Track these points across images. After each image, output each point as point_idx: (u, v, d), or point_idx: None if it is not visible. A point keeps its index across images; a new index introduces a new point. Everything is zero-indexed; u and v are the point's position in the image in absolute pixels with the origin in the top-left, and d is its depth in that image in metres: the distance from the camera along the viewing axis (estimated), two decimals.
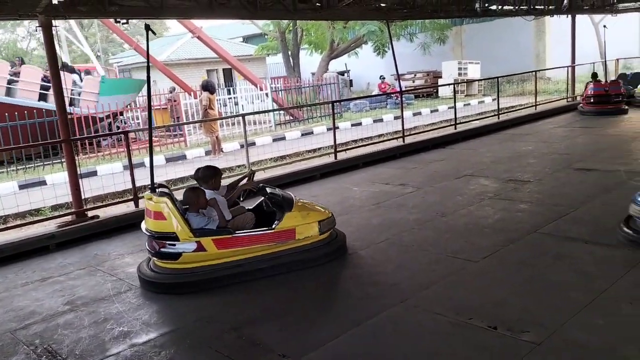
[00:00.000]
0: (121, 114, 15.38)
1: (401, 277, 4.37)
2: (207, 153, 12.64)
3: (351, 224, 5.86)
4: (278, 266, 4.54)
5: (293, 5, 7.86)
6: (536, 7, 12.87)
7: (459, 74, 23.56)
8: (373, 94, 22.38)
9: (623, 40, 28.18)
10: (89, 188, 7.32)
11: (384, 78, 23.40)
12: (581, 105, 13.69)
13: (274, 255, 4.56)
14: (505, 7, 12.20)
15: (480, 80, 22.62)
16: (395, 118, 15.94)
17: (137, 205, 6.87)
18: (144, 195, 4.75)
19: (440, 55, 25.34)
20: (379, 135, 12.78)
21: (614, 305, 3.55)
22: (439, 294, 3.97)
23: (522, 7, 12.36)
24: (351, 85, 24.64)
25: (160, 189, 4.66)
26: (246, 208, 5.08)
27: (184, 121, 14.98)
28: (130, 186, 7.10)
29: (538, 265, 4.35)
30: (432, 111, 18.58)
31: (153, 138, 5.25)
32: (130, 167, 7.04)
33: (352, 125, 16.14)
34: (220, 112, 16.08)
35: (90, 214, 6.62)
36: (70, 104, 13.40)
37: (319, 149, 11.64)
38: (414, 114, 17.86)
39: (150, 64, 4.88)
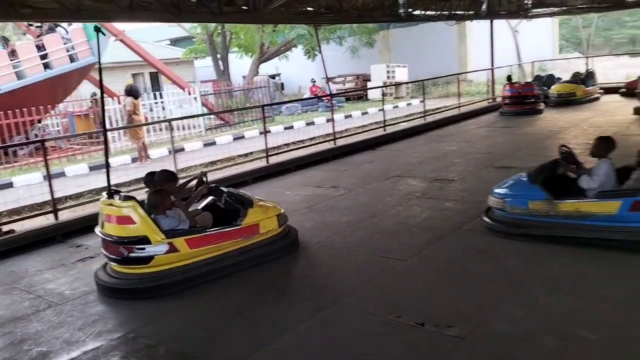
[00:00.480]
0: (39, 121, 14.54)
1: (334, 279, 4.41)
2: (134, 160, 12.20)
3: None
4: (245, 261, 4.67)
5: (219, 8, 7.73)
6: (457, 12, 13.43)
7: (388, 77, 24.14)
8: (304, 97, 22.48)
9: (539, 44, 30.02)
10: (4, 201, 6.87)
11: (315, 81, 23.59)
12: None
13: (242, 250, 4.71)
14: (428, 13, 12.66)
15: (408, 83, 23.27)
16: (327, 121, 16.06)
17: (56, 217, 6.50)
18: (101, 201, 4.63)
19: (369, 58, 25.86)
20: (311, 139, 12.83)
21: (532, 296, 3.75)
22: (370, 294, 4.03)
23: (443, 13, 12.86)
24: (283, 88, 24.66)
25: (122, 194, 4.60)
26: (198, 208, 5.06)
27: (108, 127, 14.38)
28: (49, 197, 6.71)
29: (463, 261, 4.53)
30: (362, 113, 18.91)
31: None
32: (49, 177, 6.67)
33: (285, 128, 16.13)
34: (147, 118, 15.55)
35: (5, 228, 6.20)
36: None
37: (251, 153, 11.53)
38: (346, 117, 18.10)
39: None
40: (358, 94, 24.26)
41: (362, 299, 3.95)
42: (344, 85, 25.69)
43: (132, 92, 12.02)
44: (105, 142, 4.83)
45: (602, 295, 3.67)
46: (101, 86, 4.75)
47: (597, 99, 15.14)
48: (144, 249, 4.29)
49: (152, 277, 4.34)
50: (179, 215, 4.52)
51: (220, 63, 23.21)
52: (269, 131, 15.18)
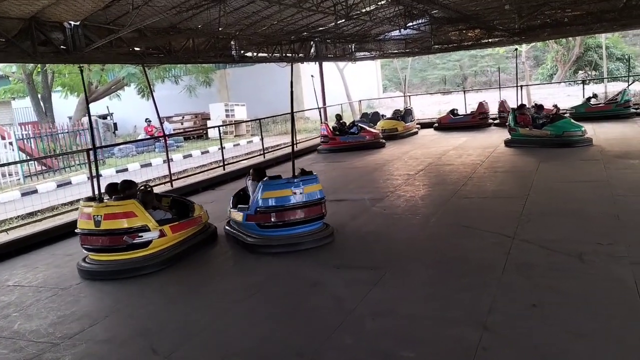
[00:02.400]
0: None
1: (168, 330, 4.19)
2: None
3: (111, 281, 5.45)
4: (200, 241, 6.28)
5: (32, 49, 7.15)
6: (288, 54, 14.11)
7: (227, 116, 24.26)
8: (139, 138, 21.52)
9: (366, 84, 32.72)
10: None
11: (150, 121, 22.72)
12: None
13: (195, 233, 6.29)
14: (260, 54, 13.10)
15: (247, 121, 23.63)
16: (164, 162, 15.55)
17: None
18: (95, 205, 5.62)
19: (207, 97, 25.81)
20: (146, 181, 12.25)
21: (359, 323, 3.96)
22: (206, 342, 3.91)
23: (275, 55, 13.42)
24: (116, 129, 23.30)
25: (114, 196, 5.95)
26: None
27: None
28: None
29: (298, 295, 4.64)
30: (203, 152, 18.65)
31: None
32: None
33: (118, 171, 15.21)
34: None
35: None
36: None
37: (77, 201, 10.63)
38: (185, 156, 17.69)
39: None
40: (198, 133, 23.96)
41: (197, 349, 3.81)
42: (182, 124, 25.23)
43: None
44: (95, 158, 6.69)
45: (411, 314, 4.02)
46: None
47: (415, 133, 16.89)
48: (141, 236, 5.55)
49: (152, 257, 5.62)
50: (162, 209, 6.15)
51: (42, 104, 21.21)
52: (101, 175, 14.25)
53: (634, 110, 15.50)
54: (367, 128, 14.87)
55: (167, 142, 11.64)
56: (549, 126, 11.44)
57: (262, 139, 15.05)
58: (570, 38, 26.71)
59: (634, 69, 27.92)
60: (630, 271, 4.38)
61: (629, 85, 17.52)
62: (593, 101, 16.23)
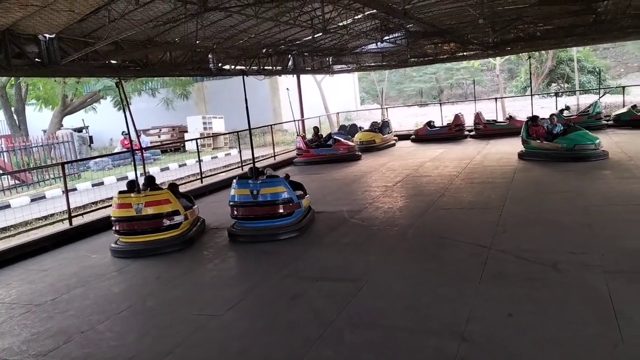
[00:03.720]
0: None
1: (142, 347, 4.13)
2: None
3: (88, 296, 5.37)
4: (200, 224, 7.62)
5: (6, 61, 7.06)
6: (266, 67, 14.16)
7: (205, 128, 24.16)
8: (115, 151, 21.26)
9: (344, 96, 32.96)
10: None
11: (127, 134, 22.47)
12: None
13: (196, 221, 7.60)
14: (238, 67, 13.11)
15: (225, 134, 23.55)
16: (142, 175, 15.38)
17: None
18: (133, 195, 6.89)
19: (185, 110, 25.69)
20: None
21: (339, 335, 3.96)
22: (185, 358, 3.86)
23: (253, 67, 13.46)
24: (92, 142, 23.00)
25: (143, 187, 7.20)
26: None
27: None
28: None
29: (277, 308, 4.62)
30: (180, 165, 18.52)
31: None
32: None
33: (93, 185, 14.99)
34: None
35: None
36: None
37: (52, 215, 10.45)
38: (162, 169, 17.51)
39: None
40: (175, 146, 23.80)
41: None
42: (159, 137, 25.03)
43: None
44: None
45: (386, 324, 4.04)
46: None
47: (393, 145, 17.03)
48: (173, 218, 6.84)
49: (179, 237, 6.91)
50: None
51: (15, 117, 20.83)
52: (76, 189, 14.07)
53: (605, 122, 15.90)
54: (343, 140, 14.83)
55: (144, 155, 11.51)
56: (561, 139, 10.77)
57: (240, 152, 15.03)
58: (543, 51, 27.34)
59: (604, 82, 28.70)
60: (603, 280, 4.48)
61: (600, 97, 17.97)
62: (565, 113, 16.61)
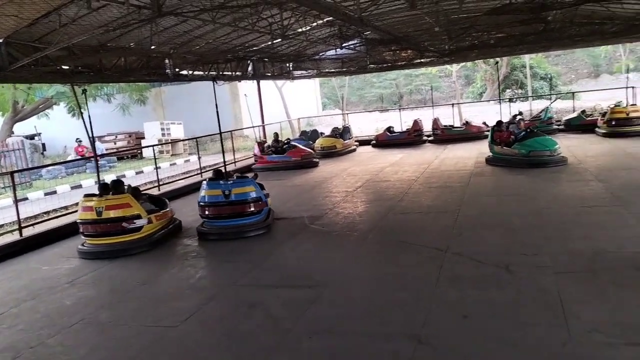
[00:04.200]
0: None
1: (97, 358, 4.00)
2: None
3: (38, 310, 5.17)
4: (171, 228, 7.65)
5: None
6: (225, 72, 14.05)
7: (163, 134, 23.73)
8: (69, 159, 20.62)
9: (306, 102, 33.01)
10: None
11: (81, 141, 21.79)
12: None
13: (168, 223, 7.67)
14: (196, 73, 12.97)
15: (184, 140, 23.19)
16: (96, 183, 14.97)
17: None
18: (96, 200, 6.99)
19: (142, 115, 25.17)
20: (77, 204, 11.73)
21: (296, 342, 3.94)
22: None
23: (211, 73, 13.33)
24: (44, 149, 22.24)
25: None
26: None
27: None
28: None
29: (234, 318, 4.56)
30: (137, 173, 18.13)
31: None
32: None
33: (46, 194, 14.49)
34: None
35: None
36: None
37: (1, 226, 10.04)
38: (118, 177, 17.09)
39: None
40: (132, 153, 23.27)
41: None
42: (115, 144, 24.43)
43: None
44: None
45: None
46: None
47: (354, 150, 17.17)
48: (135, 222, 6.93)
49: (141, 240, 7.00)
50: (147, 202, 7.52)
51: None
52: (27, 198, 13.58)
53: (557, 127, 16.48)
54: (299, 147, 14.64)
55: (99, 162, 11.21)
56: (518, 145, 10.74)
57: (199, 158, 14.85)
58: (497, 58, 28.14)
59: (556, 88, 29.79)
60: (554, 280, 4.63)
61: (551, 102, 18.63)
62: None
